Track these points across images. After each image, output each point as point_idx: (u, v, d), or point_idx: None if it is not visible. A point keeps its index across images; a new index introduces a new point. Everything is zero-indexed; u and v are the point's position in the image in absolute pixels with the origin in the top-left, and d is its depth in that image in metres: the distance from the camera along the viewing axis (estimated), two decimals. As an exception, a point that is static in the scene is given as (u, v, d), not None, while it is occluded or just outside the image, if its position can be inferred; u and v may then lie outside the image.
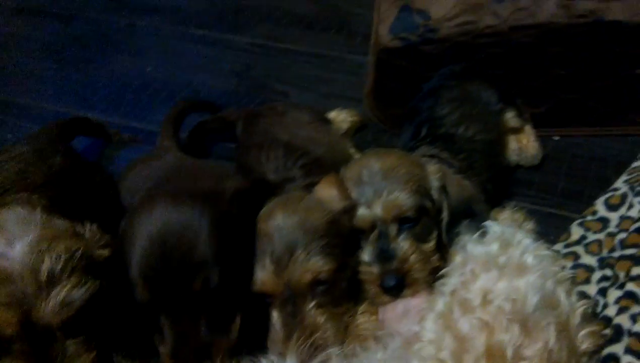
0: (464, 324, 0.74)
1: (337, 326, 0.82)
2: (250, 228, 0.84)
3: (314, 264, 0.80)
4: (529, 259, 0.80)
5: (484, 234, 0.86)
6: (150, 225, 0.76)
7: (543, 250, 0.82)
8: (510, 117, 1.26)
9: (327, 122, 1.36)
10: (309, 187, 0.95)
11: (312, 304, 0.81)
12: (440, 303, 0.80)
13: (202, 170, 1.07)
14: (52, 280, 0.70)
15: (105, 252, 0.79)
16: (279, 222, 0.83)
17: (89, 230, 0.80)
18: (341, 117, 1.41)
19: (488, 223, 0.86)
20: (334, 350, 0.75)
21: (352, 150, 1.30)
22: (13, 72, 1.69)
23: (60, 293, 0.70)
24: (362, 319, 0.86)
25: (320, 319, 0.80)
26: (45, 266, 0.70)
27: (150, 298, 0.74)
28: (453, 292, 0.80)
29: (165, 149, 1.25)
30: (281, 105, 1.33)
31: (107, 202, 1.05)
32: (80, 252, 0.74)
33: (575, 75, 1.45)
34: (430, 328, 0.76)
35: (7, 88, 1.63)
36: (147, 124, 1.46)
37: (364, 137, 1.42)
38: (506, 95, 1.28)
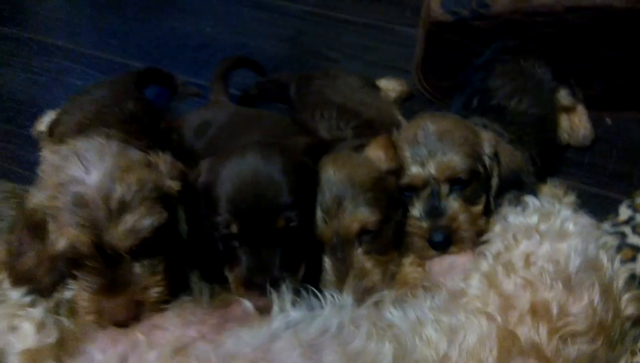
0: (509, 284, 0.77)
1: (383, 272, 0.87)
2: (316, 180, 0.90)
3: (360, 215, 0.85)
4: (570, 226, 0.82)
5: (524, 208, 0.88)
6: (243, 170, 0.82)
7: (584, 219, 0.84)
8: (563, 96, 1.25)
9: (377, 89, 1.38)
10: (359, 148, 0.98)
11: (359, 251, 0.86)
12: (484, 265, 0.82)
13: (266, 119, 1.12)
14: (122, 208, 0.74)
15: (177, 184, 0.83)
16: (329, 175, 0.88)
17: (162, 160, 0.84)
18: (390, 86, 1.43)
19: (528, 197, 0.88)
20: (386, 292, 0.79)
21: (400, 117, 1.33)
22: (81, 25, 1.78)
23: (128, 221, 0.74)
24: (410, 269, 0.90)
25: (368, 264, 0.85)
26: (117, 194, 0.75)
27: (238, 231, 0.81)
28: (496, 256, 0.83)
29: (220, 102, 1.30)
30: (333, 70, 1.36)
31: (168, 146, 1.11)
32: (151, 183, 0.78)
33: (631, 59, 1.42)
34: (475, 286, 0.79)
35: (76, 39, 1.72)
36: (206, 81, 1.49)
37: (411, 107, 1.44)
38: (560, 74, 1.27)
